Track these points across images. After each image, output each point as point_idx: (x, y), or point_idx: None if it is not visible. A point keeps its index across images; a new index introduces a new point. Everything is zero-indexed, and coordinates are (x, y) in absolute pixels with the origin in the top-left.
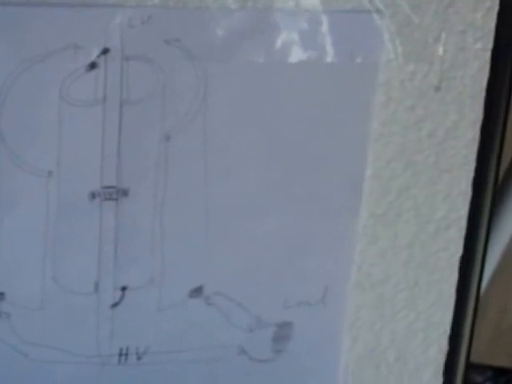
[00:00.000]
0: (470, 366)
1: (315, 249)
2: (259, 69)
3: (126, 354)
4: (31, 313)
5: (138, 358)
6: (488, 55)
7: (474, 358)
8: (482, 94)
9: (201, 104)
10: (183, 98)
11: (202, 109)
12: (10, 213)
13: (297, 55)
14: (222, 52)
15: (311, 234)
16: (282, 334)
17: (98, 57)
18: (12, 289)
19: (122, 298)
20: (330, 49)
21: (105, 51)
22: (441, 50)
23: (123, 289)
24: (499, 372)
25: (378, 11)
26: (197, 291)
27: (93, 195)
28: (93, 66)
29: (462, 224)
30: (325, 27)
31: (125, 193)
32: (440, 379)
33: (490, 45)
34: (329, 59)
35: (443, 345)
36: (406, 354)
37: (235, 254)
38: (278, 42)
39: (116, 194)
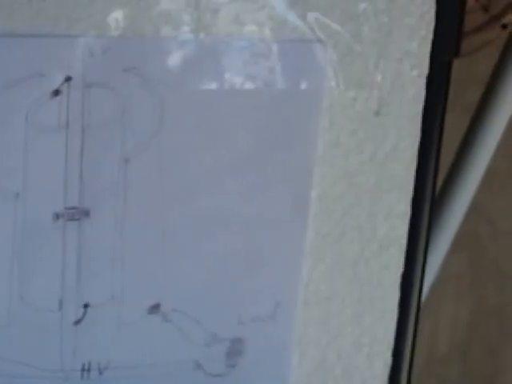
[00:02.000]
0: None
1: (266, 266)
2: (212, 95)
3: (89, 369)
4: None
5: (100, 373)
6: (423, 81)
7: None
8: (419, 118)
9: (157, 128)
10: (141, 123)
11: (158, 133)
12: None
13: (246, 82)
14: (177, 79)
15: (262, 253)
16: (235, 349)
17: (62, 84)
18: None
19: (84, 315)
20: (277, 76)
21: (67, 79)
22: (379, 77)
23: (85, 306)
24: None
25: (320, 41)
26: (155, 308)
27: (57, 216)
28: (56, 93)
29: (403, 242)
30: (272, 56)
31: (86, 213)
32: None
33: (426, 71)
34: (276, 86)
35: (387, 359)
36: (352, 368)
37: (191, 271)
38: (229, 70)
39: (78, 214)
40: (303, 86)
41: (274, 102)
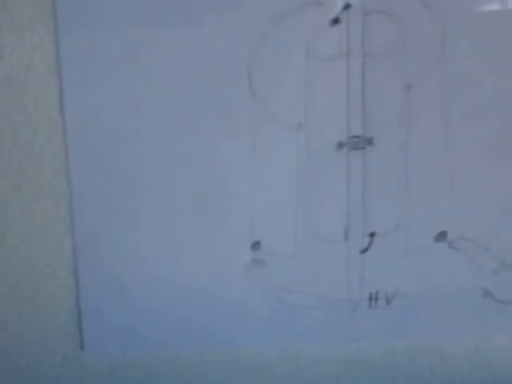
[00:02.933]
0: None
1: None
2: (493, 16)
3: (376, 299)
4: (285, 260)
5: (388, 302)
6: None
7: None
8: None
9: (439, 52)
10: (422, 48)
11: (440, 57)
12: (264, 164)
13: None
14: (460, 2)
15: None
16: None
17: (341, 12)
18: (267, 237)
19: (370, 244)
20: None
21: (347, 6)
22: None
23: (372, 235)
24: None
25: None
26: (441, 236)
27: (340, 145)
28: (336, 21)
29: None
30: None
31: (370, 142)
32: None
33: None
34: None
35: None
36: None
37: (478, 199)
38: None
39: (362, 143)
40: None
41: None
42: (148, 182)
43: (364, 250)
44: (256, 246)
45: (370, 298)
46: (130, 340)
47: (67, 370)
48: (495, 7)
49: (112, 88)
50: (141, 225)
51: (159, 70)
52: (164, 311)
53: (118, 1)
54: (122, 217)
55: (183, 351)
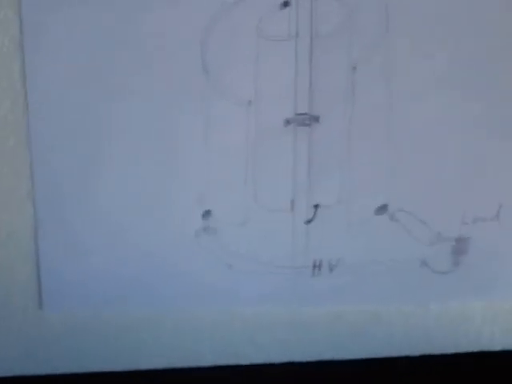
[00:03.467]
0: None
1: (491, 169)
2: None
3: (319, 266)
4: (234, 228)
5: (330, 270)
6: None
7: None
8: None
9: (383, 34)
10: (367, 30)
11: (384, 39)
12: (216, 138)
13: None
14: None
15: (487, 155)
16: (460, 247)
17: None
18: (218, 207)
19: (314, 215)
20: None
21: None
22: None
23: (316, 206)
24: None
25: None
26: (382, 208)
27: (287, 122)
28: (286, 4)
29: None
30: None
31: (316, 119)
32: None
33: None
34: None
35: None
36: None
37: (417, 174)
38: None
39: (308, 120)
40: None
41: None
42: (108, 148)
43: (309, 221)
44: (207, 214)
45: (314, 266)
46: (86, 298)
47: (27, 329)
48: None
49: (74, 62)
50: (100, 188)
51: (118, 46)
52: (118, 271)
53: None
54: (81, 181)
55: (134, 311)
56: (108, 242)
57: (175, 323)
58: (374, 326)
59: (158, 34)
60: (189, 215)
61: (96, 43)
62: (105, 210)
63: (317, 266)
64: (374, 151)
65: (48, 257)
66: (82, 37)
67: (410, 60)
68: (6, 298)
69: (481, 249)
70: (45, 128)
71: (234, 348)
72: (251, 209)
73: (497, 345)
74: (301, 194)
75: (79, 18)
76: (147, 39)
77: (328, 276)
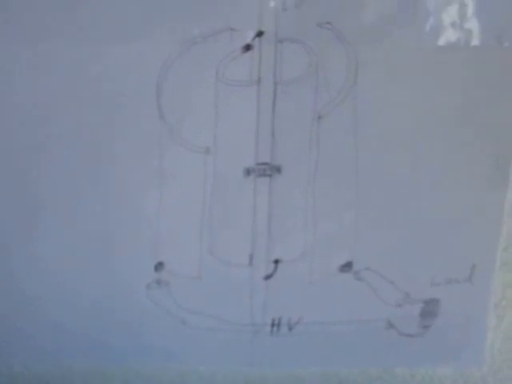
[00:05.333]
0: None
1: (463, 227)
2: (408, 51)
3: (279, 325)
4: (189, 282)
5: (290, 329)
6: None
7: None
8: None
9: (352, 85)
10: (334, 79)
11: (352, 89)
12: (170, 187)
13: (447, 38)
14: (373, 35)
15: (458, 213)
16: (429, 310)
17: (253, 39)
18: (171, 259)
19: (275, 271)
20: (476, 32)
21: (259, 34)
22: None
23: (276, 262)
24: None
25: None
26: (347, 266)
27: (248, 171)
28: (248, 47)
29: None
30: (472, 11)
31: (278, 169)
32: None
33: None
34: (475, 43)
35: None
36: None
37: (384, 231)
38: (428, 26)
39: (270, 170)
40: (507, 43)
41: (473, 59)
42: (52, 196)
43: (268, 277)
44: (159, 266)
45: (273, 324)
46: (31, 351)
47: None
48: (409, 42)
49: (19, 105)
50: (45, 237)
51: (66, 89)
52: (65, 324)
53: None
54: (24, 232)
55: (80, 365)
56: (55, 294)
57: (123, 379)
58: None
59: (110, 77)
60: (140, 267)
61: (42, 87)
62: (49, 261)
63: (276, 325)
64: (339, 205)
65: None
66: (27, 79)
67: (377, 113)
68: None
69: (452, 311)
70: None
71: None
72: (207, 262)
73: None
74: (260, 248)
75: (23, 59)
76: (98, 82)
77: (287, 335)
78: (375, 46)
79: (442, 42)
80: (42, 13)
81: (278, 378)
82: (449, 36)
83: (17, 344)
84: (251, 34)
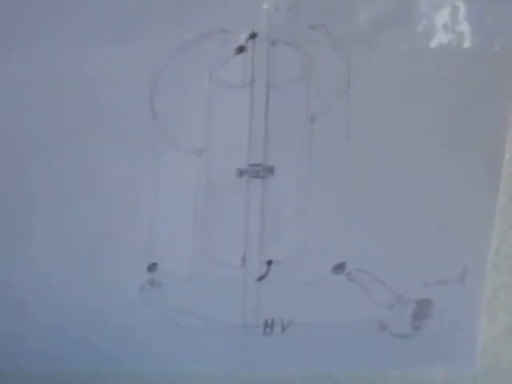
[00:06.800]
0: None
1: (455, 229)
2: (401, 54)
3: (272, 326)
4: (181, 283)
5: (283, 330)
6: None
7: None
8: None
9: (344, 87)
10: (327, 81)
11: (345, 92)
12: (163, 188)
13: (437, 42)
14: (366, 38)
15: (450, 215)
16: (421, 311)
17: (246, 41)
18: (164, 260)
19: (267, 272)
20: (468, 35)
21: (252, 35)
22: None
23: (269, 263)
24: None
25: None
26: (339, 267)
27: (240, 172)
28: (241, 49)
29: None
30: (464, 14)
31: (271, 170)
32: None
33: None
34: (467, 45)
35: None
36: None
37: (377, 232)
38: (420, 29)
39: (263, 171)
40: (497, 45)
41: (464, 61)
42: (45, 198)
43: (261, 278)
44: (152, 267)
45: (265, 325)
46: (23, 354)
47: None
48: (402, 45)
49: (9, 111)
50: (37, 239)
51: (59, 92)
52: (56, 325)
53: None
54: (17, 233)
55: (75, 369)
56: (47, 297)
57: (117, 382)
58: None
59: (103, 79)
60: (133, 268)
61: (33, 90)
62: (41, 262)
63: (268, 326)
64: (331, 206)
65: None
66: (17, 83)
67: (370, 116)
68: None
69: (444, 313)
70: None
71: None
72: (200, 263)
73: None
74: (253, 249)
75: (14, 64)
76: (91, 84)
77: (280, 336)
78: (368, 49)
79: (433, 44)
80: (32, 16)
81: (271, 378)
82: (441, 39)
83: (8, 346)
84: (244, 35)
